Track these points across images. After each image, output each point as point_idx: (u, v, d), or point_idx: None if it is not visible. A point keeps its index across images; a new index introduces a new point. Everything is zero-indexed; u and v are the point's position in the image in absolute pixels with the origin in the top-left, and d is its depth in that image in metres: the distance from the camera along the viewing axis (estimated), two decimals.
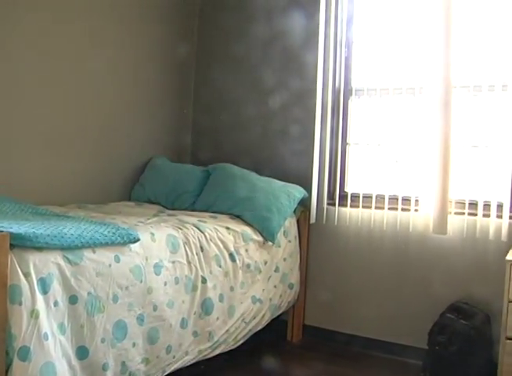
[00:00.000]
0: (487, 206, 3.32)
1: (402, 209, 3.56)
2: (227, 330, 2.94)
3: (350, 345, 3.68)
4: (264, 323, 3.32)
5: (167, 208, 3.61)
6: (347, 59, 3.87)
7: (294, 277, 3.66)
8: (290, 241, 3.61)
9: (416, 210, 3.51)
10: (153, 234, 2.58)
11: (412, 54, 3.58)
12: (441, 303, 3.30)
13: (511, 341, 2.78)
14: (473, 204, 3.37)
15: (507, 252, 2.99)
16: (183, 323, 2.63)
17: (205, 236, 2.89)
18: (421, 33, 3.52)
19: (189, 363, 2.72)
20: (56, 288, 2.03)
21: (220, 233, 3.02)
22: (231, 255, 3.02)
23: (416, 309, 3.48)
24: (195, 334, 2.71)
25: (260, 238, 3.29)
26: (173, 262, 2.61)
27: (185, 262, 2.69)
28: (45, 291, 1.98)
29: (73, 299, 2.09)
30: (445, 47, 3.36)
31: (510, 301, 2.79)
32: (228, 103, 4.27)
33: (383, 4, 3.76)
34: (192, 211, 3.50)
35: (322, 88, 3.82)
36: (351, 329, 3.73)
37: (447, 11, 3.36)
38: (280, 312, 3.55)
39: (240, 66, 4.21)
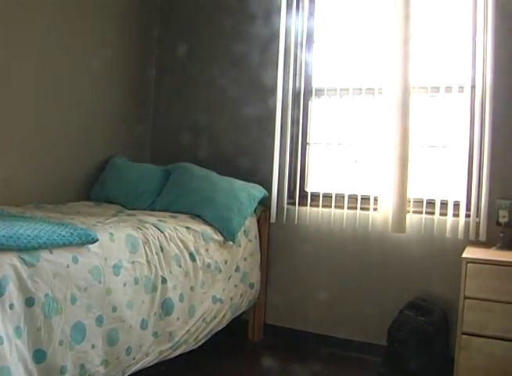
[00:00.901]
0: (444, 205, 3.39)
1: (362, 208, 3.60)
2: (188, 331, 2.93)
3: (311, 344, 3.71)
4: (225, 322, 3.31)
5: (126, 208, 3.57)
6: (308, 59, 3.89)
7: (255, 277, 3.67)
8: (250, 241, 3.61)
9: (375, 209, 3.55)
10: (112, 234, 2.55)
11: (372, 55, 3.63)
12: (399, 300, 3.35)
13: (467, 336, 2.86)
14: (430, 203, 3.44)
15: (463, 250, 3.06)
16: (143, 324, 2.60)
17: (165, 236, 2.87)
18: (380, 34, 3.56)
19: (149, 364, 2.69)
20: (12, 290, 1.98)
21: (180, 233, 3.00)
22: (191, 255, 3.00)
23: (376, 307, 3.53)
24: (155, 334, 2.69)
25: (220, 238, 3.28)
26: (132, 263, 2.58)
27: (144, 262, 2.66)
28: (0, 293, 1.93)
29: (29, 301, 2.04)
30: (404, 48, 3.41)
31: (465, 298, 2.87)
32: (188, 102, 4.24)
33: (343, 5, 3.79)
34: (152, 210, 3.47)
35: (283, 88, 3.83)
36: (312, 327, 3.75)
37: (406, 13, 3.41)
38: (241, 311, 3.55)
39: (200, 66, 4.20)
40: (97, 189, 3.86)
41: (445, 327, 3.21)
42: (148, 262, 2.68)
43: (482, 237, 3.27)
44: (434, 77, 3.45)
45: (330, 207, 3.69)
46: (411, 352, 3.05)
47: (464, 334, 2.87)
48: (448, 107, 3.42)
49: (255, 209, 3.66)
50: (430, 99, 3.50)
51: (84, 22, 3.75)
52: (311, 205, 3.76)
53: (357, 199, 3.61)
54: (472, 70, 3.35)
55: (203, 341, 3.11)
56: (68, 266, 2.22)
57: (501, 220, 3.22)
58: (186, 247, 2.98)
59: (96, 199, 3.78)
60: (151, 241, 2.75)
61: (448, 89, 3.40)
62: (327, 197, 3.71)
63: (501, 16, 3.24)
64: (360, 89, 3.65)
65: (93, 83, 3.87)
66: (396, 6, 3.43)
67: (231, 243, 3.35)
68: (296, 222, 3.79)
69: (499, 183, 3.28)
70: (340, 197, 3.67)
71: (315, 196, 3.78)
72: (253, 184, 3.68)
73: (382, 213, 3.51)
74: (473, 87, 3.34)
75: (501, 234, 3.20)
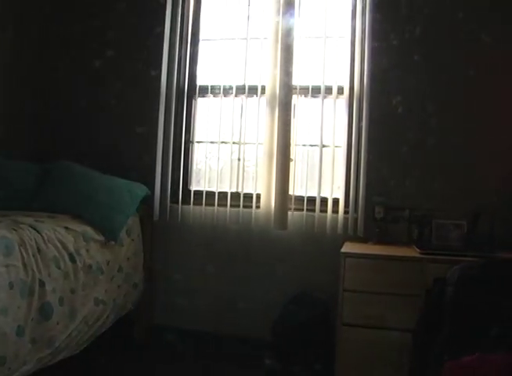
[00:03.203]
0: (324, 202, 3.51)
1: (244, 206, 3.65)
2: (69, 335, 2.81)
3: (199, 342, 3.69)
4: (108, 324, 3.22)
5: (0, 209, 3.37)
6: (193, 57, 3.88)
7: (138, 276, 3.60)
8: (133, 240, 3.55)
9: (257, 207, 3.61)
10: None
11: (255, 54, 3.68)
12: (284, 295, 3.43)
13: (347, 327, 2.98)
14: (311, 201, 3.54)
15: (342, 245, 3.19)
16: (19, 331, 2.46)
17: (42, 237, 2.73)
18: (264, 34, 3.64)
19: (27, 373, 2.55)
20: None
21: (59, 234, 2.87)
22: (71, 256, 2.89)
23: (261, 302, 3.59)
24: (33, 341, 2.55)
25: (101, 238, 3.19)
26: (6, 266, 2.43)
27: (20, 265, 2.51)
28: None
29: None
30: (286, 49, 3.50)
31: (344, 291, 2.99)
32: (67, 99, 4.08)
33: (229, 3, 3.80)
34: (29, 211, 3.30)
35: (167, 86, 3.80)
36: (199, 326, 3.74)
37: (289, 15, 3.50)
38: (125, 312, 3.47)
39: (82, 58, 4.05)
40: None
41: (327, 320, 3.32)
42: (24, 264, 2.54)
43: (360, 233, 3.43)
44: (315, 78, 3.56)
45: (213, 205, 3.71)
46: (294, 345, 3.13)
47: (344, 325, 2.99)
48: (328, 108, 3.54)
49: (138, 208, 3.60)
50: (311, 99, 3.61)
51: None
52: (194, 203, 3.76)
53: (240, 197, 3.66)
54: (350, 73, 3.49)
55: (86, 344, 3.00)
56: None
57: (377, 216, 3.40)
58: (66, 248, 2.86)
59: None
60: (27, 243, 2.60)
61: (329, 90, 3.52)
62: (210, 195, 3.73)
63: (379, 22, 3.40)
64: (243, 88, 3.69)
65: None
66: (280, 8, 3.51)
67: (113, 243, 3.27)
68: (179, 220, 3.77)
69: (375, 181, 3.46)
70: (223, 195, 3.70)
71: (198, 194, 3.77)
72: (135, 182, 3.62)
73: (264, 210, 3.57)
74: (351, 89, 3.48)
75: (377, 229, 3.37)
